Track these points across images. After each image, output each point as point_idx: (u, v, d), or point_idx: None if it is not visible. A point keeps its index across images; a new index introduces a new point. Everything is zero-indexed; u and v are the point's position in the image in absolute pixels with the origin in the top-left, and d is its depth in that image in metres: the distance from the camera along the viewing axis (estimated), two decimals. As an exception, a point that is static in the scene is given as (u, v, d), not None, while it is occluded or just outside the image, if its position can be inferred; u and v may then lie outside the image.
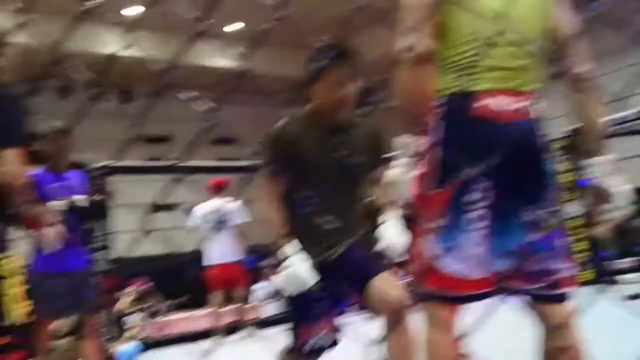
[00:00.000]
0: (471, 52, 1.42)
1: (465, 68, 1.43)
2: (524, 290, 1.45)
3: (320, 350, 2.14)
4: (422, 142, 1.47)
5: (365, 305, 2.10)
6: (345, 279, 2.12)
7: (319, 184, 2.10)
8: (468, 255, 1.38)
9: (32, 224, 2.03)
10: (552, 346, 1.44)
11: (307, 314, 2.07)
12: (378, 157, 2.23)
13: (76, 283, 3.34)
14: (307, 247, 2.05)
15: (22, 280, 1.92)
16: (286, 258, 1.99)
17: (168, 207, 9.71)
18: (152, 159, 10.49)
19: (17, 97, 2.05)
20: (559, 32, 1.52)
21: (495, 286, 1.44)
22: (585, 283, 6.24)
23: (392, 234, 2.14)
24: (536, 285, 1.44)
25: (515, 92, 1.42)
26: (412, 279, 1.52)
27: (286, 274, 1.97)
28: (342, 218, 2.09)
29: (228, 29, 10.97)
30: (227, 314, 5.88)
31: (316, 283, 1.98)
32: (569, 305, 1.47)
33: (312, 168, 2.11)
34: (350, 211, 2.17)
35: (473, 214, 1.38)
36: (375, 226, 2.23)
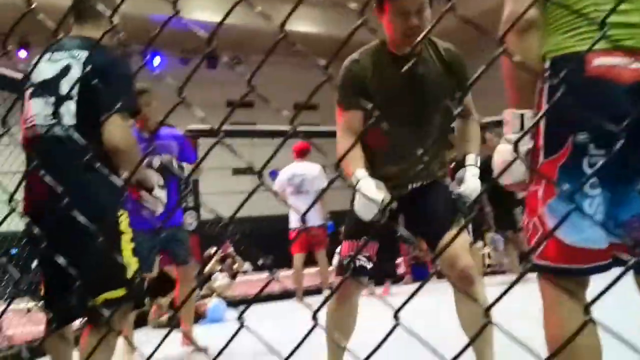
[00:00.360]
0: (585, 9, 1.32)
1: (578, 27, 1.33)
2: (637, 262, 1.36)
3: (360, 270, 2.12)
4: (531, 114, 1.37)
5: (433, 258, 2.08)
6: (418, 224, 2.10)
7: (390, 117, 2.02)
8: (586, 225, 1.29)
9: (137, 186, 2.12)
10: None
11: (357, 230, 2.05)
12: (459, 84, 2.13)
13: (170, 239, 3.50)
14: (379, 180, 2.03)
15: (132, 237, 2.03)
16: (358, 182, 1.96)
17: (253, 170, 9.91)
18: (234, 123, 10.74)
19: (124, 61, 2.09)
20: None
21: (612, 258, 1.34)
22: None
23: (470, 180, 2.07)
24: None
25: (635, 50, 1.30)
26: (529, 253, 1.43)
27: (360, 197, 1.93)
28: (416, 152, 2.05)
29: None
30: (309, 277, 5.99)
31: (389, 203, 1.94)
32: None
33: (384, 100, 2.05)
34: (426, 144, 2.10)
35: (589, 181, 1.28)
36: (458, 165, 2.17)
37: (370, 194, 1.89)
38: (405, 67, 2.04)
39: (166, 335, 0.91)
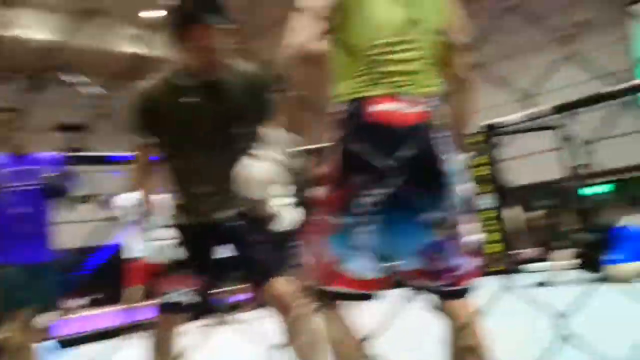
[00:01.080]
0: (366, 58, 1.44)
1: (361, 74, 1.45)
2: (428, 287, 1.50)
3: (176, 306, 2.04)
4: (305, 141, 1.49)
5: (260, 296, 2.07)
6: (240, 266, 2.08)
7: (191, 148, 1.96)
8: (363, 256, 1.42)
9: None
10: (457, 344, 1.48)
11: (169, 267, 2.02)
12: (263, 108, 2.05)
13: (33, 276, 3.07)
14: (183, 213, 2.03)
15: None
16: (154, 229, 1.99)
17: (86, 199, 9.35)
18: (66, 149, 10.08)
19: None
20: (450, 34, 1.56)
21: (393, 286, 1.50)
22: (497, 273, 6.57)
23: (285, 212, 2.10)
24: (438, 283, 1.48)
25: (412, 96, 1.45)
26: (309, 278, 1.53)
27: (151, 245, 1.97)
28: (223, 182, 1.93)
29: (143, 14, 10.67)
30: (147, 310, 5.72)
31: (180, 256, 1.98)
32: (471, 301, 1.52)
33: (183, 130, 1.96)
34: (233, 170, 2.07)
35: (369, 216, 1.41)
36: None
37: (163, 250, 1.97)
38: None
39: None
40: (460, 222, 1.49)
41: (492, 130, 7.38)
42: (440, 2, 1.56)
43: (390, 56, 1.45)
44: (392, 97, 1.43)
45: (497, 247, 7.12)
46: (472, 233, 1.54)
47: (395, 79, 1.44)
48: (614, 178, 10.25)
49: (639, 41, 10.13)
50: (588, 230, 5.77)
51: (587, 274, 5.27)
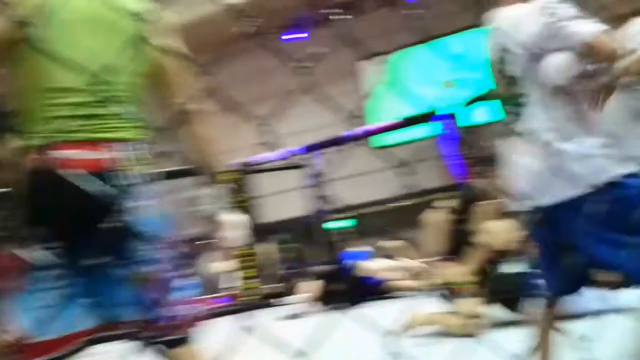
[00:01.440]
0: (40, 102, 1.34)
1: (37, 120, 1.34)
2: (149, 338, 1.43)
3: None
4: None
5: None
6: None
7: None
8: (47, 316, 1.30)
9: None
10: None
11: None
12: None
13: None
14: None
15: None
16: None
17: None
18: None
19: None
20: (160, 71, 1.50)
21: (99, 341, 1.40)
22: (248, 309, 6.69)
23: None
24: (157, 333, 1.41)
25: (92, 142, 1.35)
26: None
27: None
28: None
29: None
30: None
31: None
32: (194, 347, 1.48)
33: None
34: None
35: (50, 275, 1.30)
36: None
37: None
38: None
39: None
40: (171, 270, 1.43)
41: (245, 168, 7.60)
42: (152, 25, 1.46)
43: (65, 99, 1.33)
44: (67, 144, 1.31)
45: (252, 284, 7.26)
46: (189, 279, 1.49)
47: (71, 123, 1.33)
48: (355, 213, 11.28)
49: (369, 90, 11.44)
50: (328, 262, 6.22)
51: (328, 305, 5.62)
